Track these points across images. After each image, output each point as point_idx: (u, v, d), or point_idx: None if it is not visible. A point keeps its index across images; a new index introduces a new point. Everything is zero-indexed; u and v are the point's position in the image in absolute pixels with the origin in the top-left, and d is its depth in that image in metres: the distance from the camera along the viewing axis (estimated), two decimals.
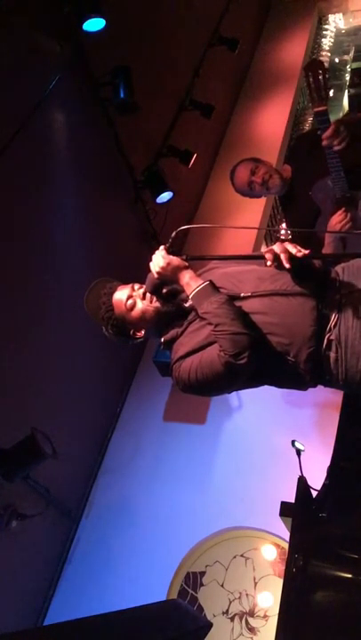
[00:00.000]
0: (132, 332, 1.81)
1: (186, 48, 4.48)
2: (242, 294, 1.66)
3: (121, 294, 1.77)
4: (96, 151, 3.49)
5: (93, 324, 1.86)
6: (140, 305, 1.75)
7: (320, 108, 2.28)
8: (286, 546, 2.57)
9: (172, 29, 4.26)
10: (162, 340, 1.77)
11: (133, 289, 1.78)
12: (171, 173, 3.94)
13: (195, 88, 4.44)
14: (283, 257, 1.52)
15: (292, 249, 1.54)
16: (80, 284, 1.85)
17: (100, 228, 3.58)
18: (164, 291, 1.74)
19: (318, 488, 2.42)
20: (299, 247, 1.54)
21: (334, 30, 6.40)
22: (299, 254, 1.53)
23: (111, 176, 3.70)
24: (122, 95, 3.18)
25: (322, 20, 6.33)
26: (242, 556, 3.19)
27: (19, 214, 2.90)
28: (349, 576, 2.04)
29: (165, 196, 3.83)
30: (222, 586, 3.14)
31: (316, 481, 2.45)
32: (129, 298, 1.76)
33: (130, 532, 3.44)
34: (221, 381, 1.59)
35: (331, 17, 6.36)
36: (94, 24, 2.84)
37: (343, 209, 2.52)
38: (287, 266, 1.53)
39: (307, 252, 1.54)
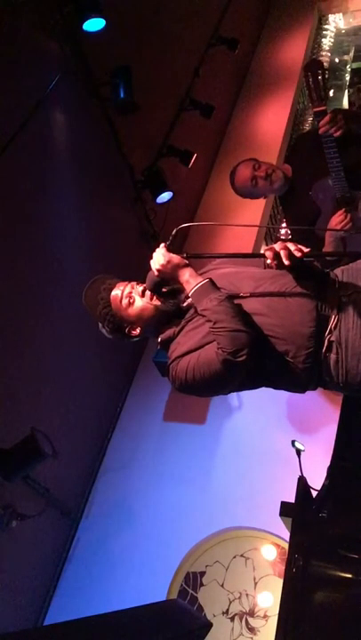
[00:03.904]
0: (127, 330, 1.80)
1: (186, 48, 4.47)
2: (241, 294, 1.66)
3: (119, 291, 1.77)
4: (96, 151, 3.49)
5: (93, 323, 1.85)
6: (138, 302, 1.75)
7: (320, 108, 2.28)
8: (286, 546, 2.57)
9: (172, 29, 4.26)
10: (159, 339, 1.77)
11: (133, 286, 1.78)
12: (171, 173, 3.94)
13: (195, 88, 4.44)
14: (282, 253, 1.53)
15: (292, 247, 1.54)
16: (80, 284, 1.85)
17: (99, 227, 3.58)
18: (164, 289, 1.74)
19: (318, 488, 2.42)
20: (299, 246, 1.55)
21: (334, 30, 6.40)
22: (298, 253, 1.53)
23: (111, 176, 3.70)
24: (122, 95, 3.18)
25: (322, 20, 6.32)
26: (242, 556, 3.19)
27: (18, 214, 2.90)
28: (349, 576, 2.04)
29: (165, 196, 3.83)
30: (222, 586, 3.14)
31: (316, 481, 2.45)
32: (128, 295, 1.75)
33: (130, 531, 3.44)
34: (219, 380, 1.58)
35: (331, 17, 6.35)
36: (94, 24, 2.84)
37: (343, 209, 2.52)
38: (287, 263, 1.53)
39: (306, 250, 1.55)
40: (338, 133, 2.32)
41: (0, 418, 2.85)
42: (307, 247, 1.56)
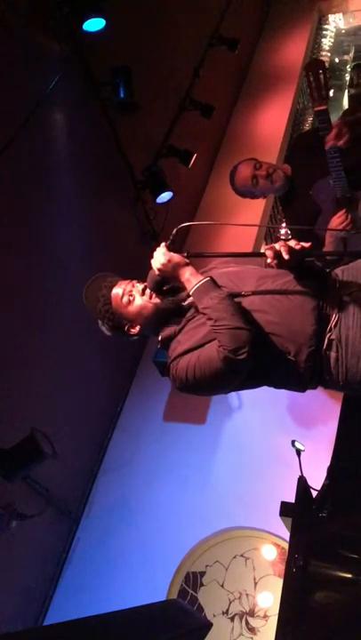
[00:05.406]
0: (127, 328, 1.80)
1: (186, 48, 4.47)
2: (243, 292, 1.66)
3: (120, 289, 1.77)
4: (96, 151, 3.49)
5: (93, 324, 1.86)
6: (138, 300, 1.76)
7: (320, 108, 2.28)
8: (286, 546, 2.57)
9: (173, 29, 4.26)
10: (159, 338, 1.77)
11: (134, 285, 1.78)
12: (171, 173, 3.94)
13: (195, 88, 4.44)
14: (283, 250, 1.53)
15: (293, 243, 1.55)
16: (80, 285, 1.85)
17: (100, 228, 3.58)
18: (165, 288, 1.74)
19: (318, 488, 2.42)
20: (300, 243, 1.56)
21: (334, 30, 6.41)
22: (297, 247, 1.54)
23: (111, 176, 3.70)
24: (122, 95, 3.18)
25: (322, 20, 6.33)
26: (242, 556, 3.19)
27: (18, 215, 2.90)
28: (349, 576, 2.04)
29: (165, 196, 3.83)
30: (222, 586, 3.14)
31: (317, 481, 2.45)
32: (128, 292, 1.76)
33: (130, 531, 3.44)
34: (219, 379, 1.58)
35: (331, 17, 6.35)
36: (94, 24, 2.84)
37: (344, 210, 2.52)
38: (286, 257, 1.53)
39: (307, 245, 1.55)
40: (344, 146, 2.34)
41: (0, 418, 2.85)
42: (307, 244, 1.57)
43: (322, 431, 3.25)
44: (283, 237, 4.61)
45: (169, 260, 1.66)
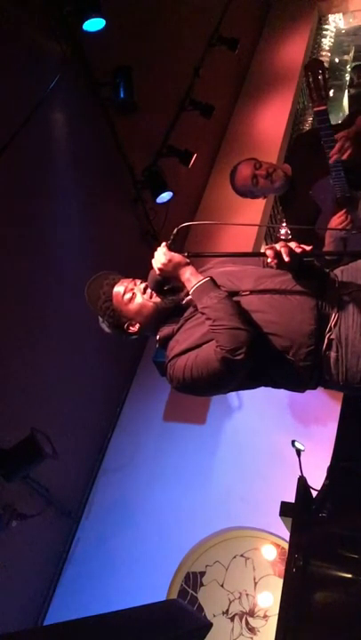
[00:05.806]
0: (126, 326, 1.80)
1: (186, 48, 4.47)
2: (241, 292, 1.66)
3: (122, 287, 1.78)
4: (96, 151, 3.49)
5: (94, 323, 1.86)
6: (139, 299, 1.76)
7: (320, 108, 2.29)
8: (286, 546, 2.57)
9: (173, 29, 4.26)
10: (157, 337, 1.77)
11: (135, 283, 1.79)
12: (171, 173, 3.94)
13: (195, 88, 4.44)
14: (283, 251, 1.53)
15: (293, 245, 1.55)
16: (80, 284, 1.85)
17: (100, 228, 3.59)
18: (166, 288, 1.75)
19: (318, 488, 2.42)
20: (301, 245, 1.56)
21: (334, 30, 6.40)
22: (298, 249, 1.54)
23: (111, 176, 3.70)
24: (122, 95, 3.19)
25: (322, 20, 6.33)
26: (242, 556, 3.19)
27: (19, 214, 2.90)
28: (349, 576, 2.04)
29: (165, 196, 3.83)
30: (222, 586, 3.14)
31: (317, 481, 2.45)
32: (129, 290, 1.77)
33: (130, 531, 3.44)
34: (217, 379, 1.57)
35: (331, 17, 6.35)
36: (94, 24, 2.84)
37: (344, 210, 2.52)
38: (287, 259, 1.53)
39: (308, 248, 1.55)
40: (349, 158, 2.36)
41: (0, 418, 2.85)
42: (308, 246, 1.57)
43: (322, 431, 3.25)
44: (283, 237, 4.62)
45: (170, 260, 1.67)
